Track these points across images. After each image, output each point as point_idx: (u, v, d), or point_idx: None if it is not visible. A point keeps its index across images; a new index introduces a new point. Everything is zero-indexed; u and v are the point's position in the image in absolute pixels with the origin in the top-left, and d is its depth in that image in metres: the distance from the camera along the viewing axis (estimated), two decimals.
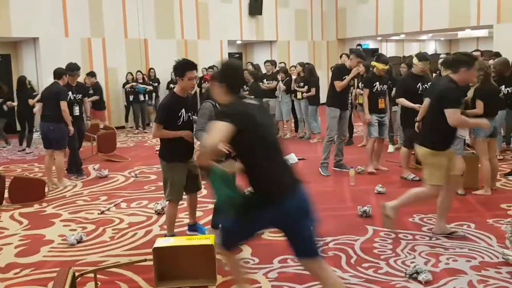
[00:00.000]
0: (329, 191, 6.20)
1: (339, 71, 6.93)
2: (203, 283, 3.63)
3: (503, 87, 6.84)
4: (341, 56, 10.16)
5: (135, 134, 12.06)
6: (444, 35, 20.43)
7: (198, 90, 13.41)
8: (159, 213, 5.37)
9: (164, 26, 14.00)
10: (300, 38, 17.65)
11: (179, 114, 4.17)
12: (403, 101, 6.34)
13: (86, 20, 12.59)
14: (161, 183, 6.74)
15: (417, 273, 3.60)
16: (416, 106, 6.13)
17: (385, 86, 6.92)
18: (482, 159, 5.76)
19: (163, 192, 6.27)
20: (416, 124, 5.94)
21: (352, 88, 8.63)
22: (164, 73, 13.59)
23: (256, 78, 10.22)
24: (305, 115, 10.34)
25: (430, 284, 3.51)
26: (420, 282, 3.53)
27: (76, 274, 3.17)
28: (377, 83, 6.79)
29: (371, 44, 19.75)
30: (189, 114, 4.28)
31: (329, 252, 4.16)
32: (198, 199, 4.86)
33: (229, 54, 16.21)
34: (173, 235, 4.43)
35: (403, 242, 4.34)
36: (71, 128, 6.70)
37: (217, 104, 4.01)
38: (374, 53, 13.21)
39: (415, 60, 6.33)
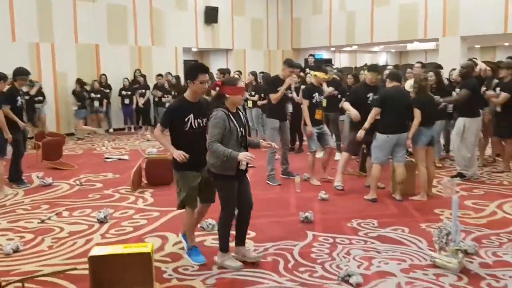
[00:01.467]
0: (275, 198, 6.30)
1: (273, 84, 6.96)
2: None
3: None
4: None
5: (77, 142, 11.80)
6: (394, 47, 21.10)
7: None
8: (101, 222, 5.30)
9: (116, 31, 13.82)
10: (255, 47, 17.83)
11: (186, 119, 4.03)
12: (346, 104, 6.42)
13: (34, 24, 12.28)
14: (107, 191, 6.75)
15: (349, 276, 3.73)
16: (353, 111, 6.17)
17: (323, 96, 7.03)
18: (419, 166, 6.03)
19: (107, 200, 6.29)
20: (362, 131, 6.02)
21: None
22: (117, 80, 13.44)
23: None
24: (256, 124, 10.48)
25: (361, 286, 3.64)
26: (351, 284, 3.66)
27: (3, 284, 3.11)
28: (316, 94, 6.83)
29: (324, 55, 20.17)
30: (200, 120, 4.09)
31: (268, 257, 4.24)
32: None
33: (185, 61, 16.19)
34: (194, 246, 4.29)
35: (340, 247, 4.47)
36: (9, 136, 6.47)
37: (230, 112, 3.93)
38: (326, 63, 13.61)
39: (366, 71, 6.56)
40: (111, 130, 13.46)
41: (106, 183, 7.25)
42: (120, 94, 13.35)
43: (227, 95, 3.92)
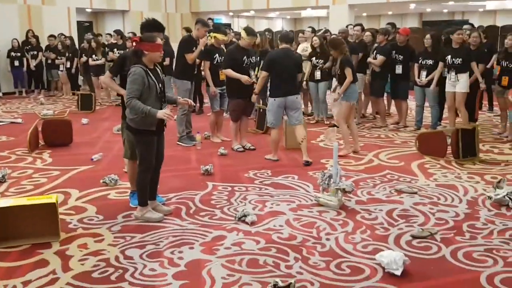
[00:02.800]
0: (177, 155, 6.55)
1: (187, 43, 6.91)
2: (46, 240, 3.76)
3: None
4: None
5: None
6: (290, 13, 21.83)
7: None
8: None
9: None
10: (153, 9, 17.44)
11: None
12: (229, 71, 6.47)
13: None
14: (2, 153, 6.56)
15: (245, 216, 4.16)
16: (243, 77, 6.34)
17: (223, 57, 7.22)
18: (341, 123, 6.40)
19: (4, 161, 6.14)
20: (254, 96, 6.32)
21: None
22: (4, 41, 12.57)
23: None
24: None
25: (255, 224, 4.10)
26: (247, 223, 4.10)
27: None
28: (217, 54, 6.92)
29: (223, 19, 20.33)
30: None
31: (171, 206, 4.54)
32: None
33: (78, 22, 15.48)
34: (135, 191, 4.38)
35: (237, 193, 4.90)
36: None
37: (148, 69, 3.93)
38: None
39: (243, 34, 6.57)
40: (0, 94, 12.67)
41: (0, 146, 7.00)
42: (8, 56, 12.55)
43: (145, 52, 3.91)
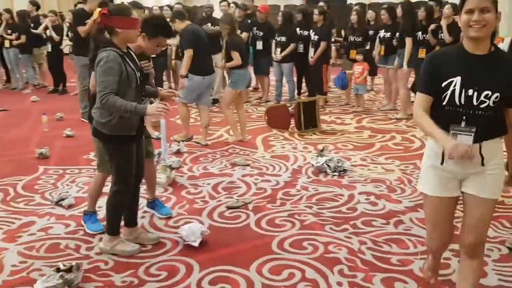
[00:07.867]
0: (16, 138, 6.22)
1: (80, 16, 6.67)
2: None
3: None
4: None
5: None
6: None
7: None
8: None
9: None
10: None
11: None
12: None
13: None
14: None
15: (62, 199, 4.02)
16: None
17: None
18: (224, 109, 5.90)
19: None
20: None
21: None
22: None
23: None
24: (15, 65, 9.89)
25: (72, 207, 3.97)
26: (63, 207, 3.96)
27: None
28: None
29: None
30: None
31: None
32: None
33: None
34: (94, 212, 3.61)
35: (67, 176, 4.72)
36: None
37: (128, 53, 2.99)
38: None
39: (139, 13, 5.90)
40: None
41: None
42: None
43: (117, 29, 2.90)
